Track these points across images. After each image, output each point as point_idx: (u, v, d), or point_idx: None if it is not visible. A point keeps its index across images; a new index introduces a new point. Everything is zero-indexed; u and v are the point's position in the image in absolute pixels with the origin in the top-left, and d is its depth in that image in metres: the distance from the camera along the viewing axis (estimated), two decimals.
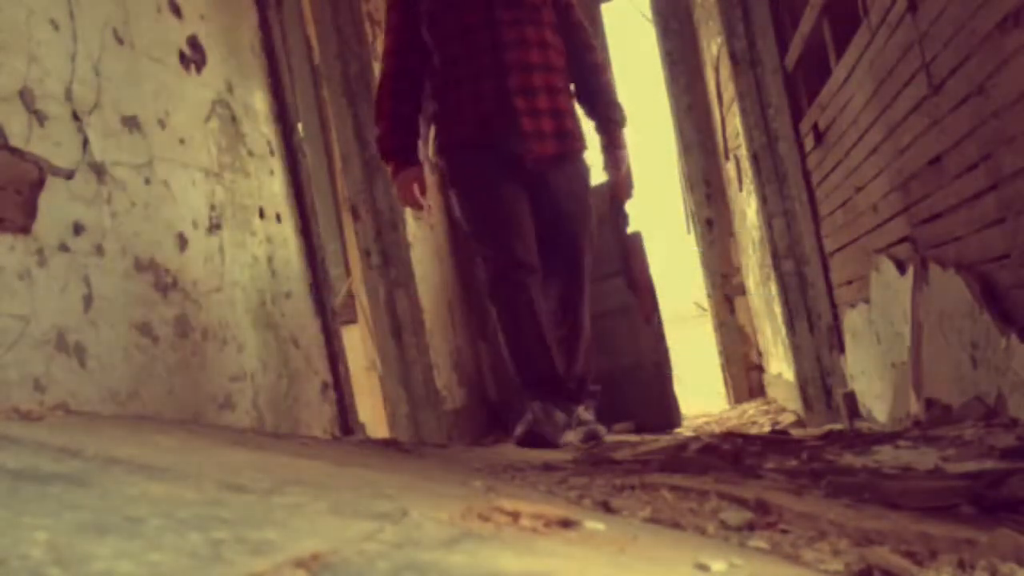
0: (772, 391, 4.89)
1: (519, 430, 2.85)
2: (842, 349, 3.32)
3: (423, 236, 4.84)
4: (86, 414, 1.47)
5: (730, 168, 4.83)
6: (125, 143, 2.13)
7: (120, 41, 2.19)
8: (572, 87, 3.19)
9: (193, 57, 2.57)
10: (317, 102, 4.32)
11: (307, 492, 0.80)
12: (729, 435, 2.30)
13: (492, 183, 3.01)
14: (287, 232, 3.01)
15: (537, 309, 2.95)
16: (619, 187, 3.35)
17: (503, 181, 2.99)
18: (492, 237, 2.98)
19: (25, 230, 1.74)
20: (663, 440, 2.71)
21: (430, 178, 3.39)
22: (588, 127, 3.29)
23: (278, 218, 2.95)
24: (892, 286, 2.51)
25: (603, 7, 5.89)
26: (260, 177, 2.87)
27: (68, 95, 1.94)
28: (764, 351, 5.09)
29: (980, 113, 1.75)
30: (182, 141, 2.40)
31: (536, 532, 0.71)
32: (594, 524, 0.79)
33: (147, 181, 2.19)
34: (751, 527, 1.04)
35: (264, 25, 3.13)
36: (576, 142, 3.12)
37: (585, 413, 2.98)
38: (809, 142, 3.29)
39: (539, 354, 2.95)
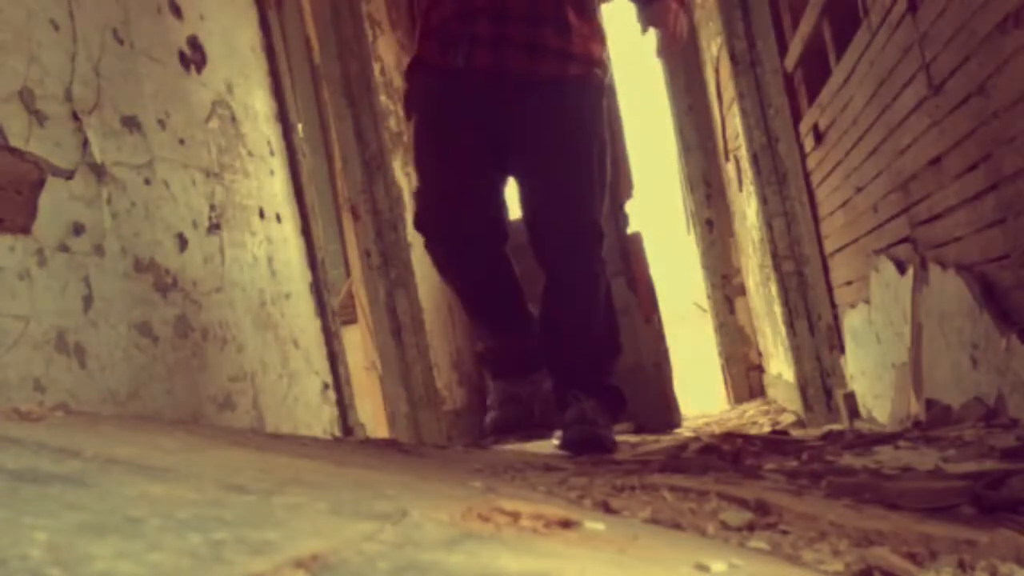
0: (772, 392, 4.89)
1: (487, 419, 2.47)
2: (842, 349, 3.32)
3: None
4: (86, 414, 1.47)
5: (730, 168, 4.83)
6: (125, 143, 2.13)
7: (120, 41, 2.19)
8: None
9: (193, 57, 2.57)
10: (317, 102, 4.32)
11: (307, 492, 0.80)
12: (729, 435, 2.30)
13: (440, 131, 2.42)
14: (287, 232, 3.01)
15: (488, 257, 2.44)
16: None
17: (456, 128, 2.39)
18: (425, 193, 2.45)
19: (25, 230, 1.73)
20: (663, 440, 2.71)
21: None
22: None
23: (278, 218, 2.95)
24: (892, 286, 2.50)
25: (603, 7, 5.89)
26: (260, 177, 2.87)
27: (68, 95, 1.94)
28: (764, 352, 5.09)
29: (980, 113, 1.75)
30: (182, 141, 2.40)
31: (536, 532, 0.71)
32: (594, 524, 0.79)
33: (147, 181, 2.19)
34: (751, 528, 1.04)
35: (264, 25, 3.13)
36: (570, 63, 2.38)
37: (588, 407, 2.34)
38: (809, 142, 3.29)
39: (494, 316, 2.51)
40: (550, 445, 2.54)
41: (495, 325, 2.55)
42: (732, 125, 4.40)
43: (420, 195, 2.49)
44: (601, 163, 2.43)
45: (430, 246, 2.49)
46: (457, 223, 2.40)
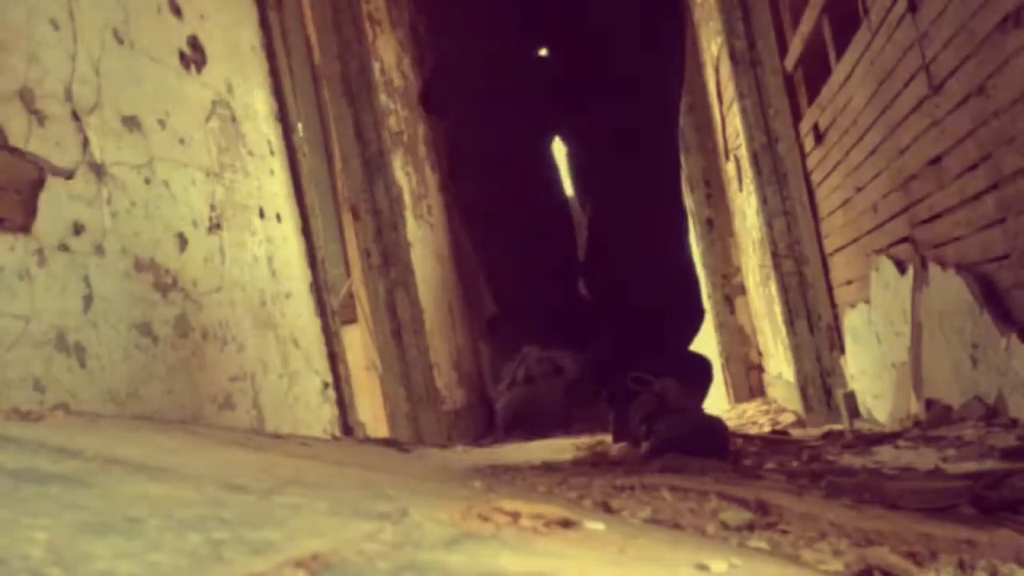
0: (772, 391, 4.89)
1: (500, 403, 1.70)
2: (842, 349, 3.32)
3: (423, 236, 4.84)
4: (86, 414, 1.47)
5: (730, 168, 4.83)
6: (125, 143, 2.13)
7: (120, 41, 2.19)
8: None
9: (193, 57, 2.57)
10: (317, 102, 4.32)
11: (307, 492, 0.80)
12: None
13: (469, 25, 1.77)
14: (287, 232, 3.01)
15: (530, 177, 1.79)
16: None
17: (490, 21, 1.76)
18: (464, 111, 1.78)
19: (25, 230, 1.73)
20: None
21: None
22: None
23: (278, 218, 2.95)
24: (892, 286, 2.50)
25: None
26: (260, 177, 2.87)
27: (68, 95, 1.94)
28: (764, 351, 5.09)
29: (980, 113, 1.75)
30: (182, 141, 2.40)
31: (536, 532, 0.71)
32: (594, 524, 0.79)
33: (147, 181, 2.19)
34: (751, 527, 1.04)
35: (264, 25, 3.13)
36: None
37: (672, 389, 1.70)
38: (809, 142, 3.29)
39: (546, 253, 1.81)
40: (551, 445, 2.52)
41: (544, 267, 1.83)
42: (732, 125, 4.40)
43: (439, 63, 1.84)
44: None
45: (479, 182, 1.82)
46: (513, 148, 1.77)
